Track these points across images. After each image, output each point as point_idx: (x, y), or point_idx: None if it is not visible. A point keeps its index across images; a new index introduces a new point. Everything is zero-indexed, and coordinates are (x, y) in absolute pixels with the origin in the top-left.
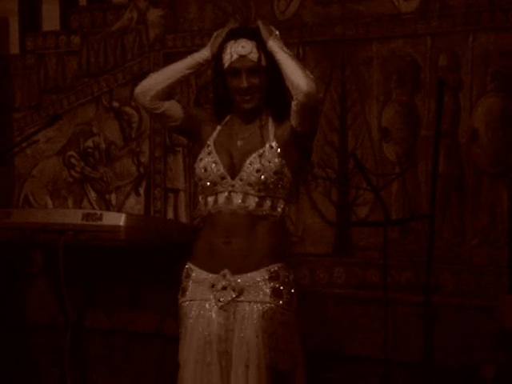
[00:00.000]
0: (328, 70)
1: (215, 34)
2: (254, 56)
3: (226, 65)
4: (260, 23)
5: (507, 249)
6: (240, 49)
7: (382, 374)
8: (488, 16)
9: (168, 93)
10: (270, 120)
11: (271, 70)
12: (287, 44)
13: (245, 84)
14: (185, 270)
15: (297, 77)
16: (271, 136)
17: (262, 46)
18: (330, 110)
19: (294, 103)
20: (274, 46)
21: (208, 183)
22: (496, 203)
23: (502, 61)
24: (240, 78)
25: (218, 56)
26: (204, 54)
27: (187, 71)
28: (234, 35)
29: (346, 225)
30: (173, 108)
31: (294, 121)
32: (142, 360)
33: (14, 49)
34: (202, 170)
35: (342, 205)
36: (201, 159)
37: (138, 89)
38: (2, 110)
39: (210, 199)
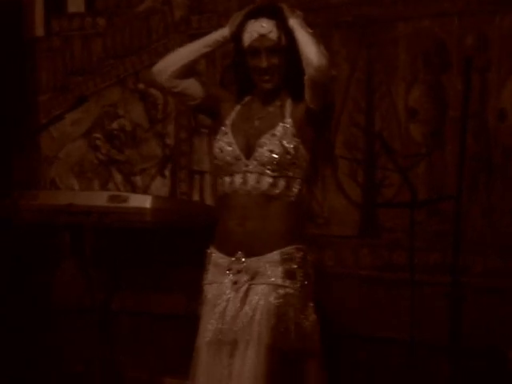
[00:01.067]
0: (354, 50)
1: (236, 13)
2: (274, 35)
3: (246, 44)
4: (283, 3)
5: None
6: (260, 28)
7: (407, 355)
8: None
9: (186, 71)
10: (289, 100)
11: (291, 50)
12: (313, 24)
13: (264, 64)
14: (207, 253)
15: (309, 51)
16: (287, 115)
17: (282, 25)
18: (356, 90)
19: (305, 78)
20: (295, 23)
21: (224, 164)
22: None
23: None
24: (259, 57)
25: (237, 35)
26: (223, 32)
27: (204, 49)
28: (254, 14)
29: (372, 206)
30: (191, 87)
31: (307, 97)
32: (168, 342)
33: (40, 31)
34: (218, 151)
35: (368, 186)
36: (217, 140)
37: (156, 68)
38: (28, 92)
39: (227, 180)
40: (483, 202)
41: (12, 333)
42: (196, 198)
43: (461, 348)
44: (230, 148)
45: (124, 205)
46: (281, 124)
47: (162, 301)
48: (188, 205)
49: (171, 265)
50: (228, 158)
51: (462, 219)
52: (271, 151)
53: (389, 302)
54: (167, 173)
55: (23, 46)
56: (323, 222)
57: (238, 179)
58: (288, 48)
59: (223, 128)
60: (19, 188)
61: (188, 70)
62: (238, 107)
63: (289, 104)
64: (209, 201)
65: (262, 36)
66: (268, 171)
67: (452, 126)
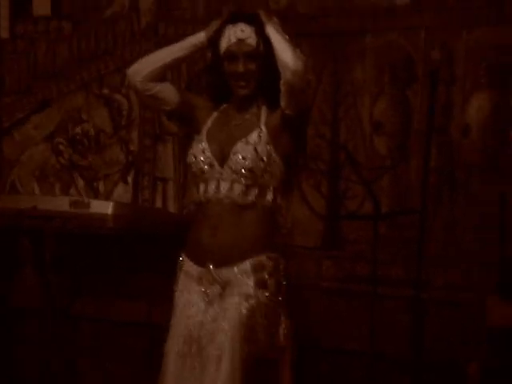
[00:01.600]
0: (321, 61)
1: (213, 20)
2: (253, 41)
3: (224, 48)
4: (261, 10)
5: (497, 247)
6: (239, 32)
7: (368, 367)
8: (483, 11)
9: (160, 74)
10: (264, 108)
11: (268, 56)
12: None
13: (241, 69)
14: (179, 260)
15: (286, 56)
16: (262, 123)
17: (260, 31)
18: (322, 101)
19: (282, 82)
20: (271, 29)
21: (198, 171)
22: (487, 200)
23: (496, 55)
24: (237, 62)
25: (214, 41)
26: (200, 36)
27: (181, 53)
28: (232, 19)
29: (335, 218)
30: (166, 90)
31: (282, 102)
32: (129, 349)
33: (4, 33)
34: (192, 158)
35: (332, 197)
36: (192, 147)
37: (131, 69)
38: None
39: (201, 187)
40: (446, 216)
41: None
42: (159, 205)
43: (422, 362)
44: (204, 155)
45: (86, 211)
46: (255, 131)
47: (122, 307)
48: (150, 211)
49: (132, 271)
50: (202, 165)
51: (425, 232)
52: (244, 158)
53: (351, 314)
54: (130, 179)
55: None
56: (286, 233)
57: (211, 187)
58: (265, 55)
59: (198, 135)
60: None
61: (162, 74)
62: (215, 114)
63: (264, 111)
64: (172, 208)
65: (241, 41)
66: (241, 178)
67: (417, 139)
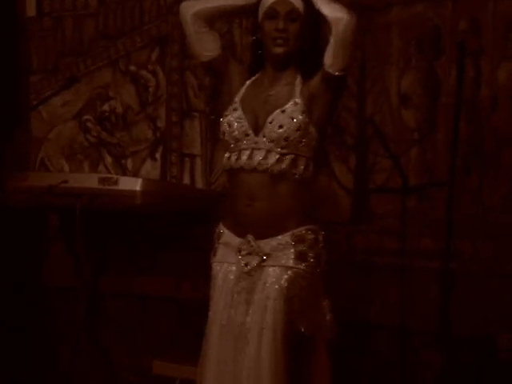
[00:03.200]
0: None
1: None
2: (296, 1)
3: (266, 7)
4: None
5: None
6: None
7: (397, 341)
8: None
9: (211, 15)
10: (299, 77)
11: (309, 21)
12: None
13: (281, 25)
14: (216, 231)
15: (337, 11)
16: (297, 92)
17: None
18: (348, 75)
19: (333, 36)
20: None
21: (231, 139)
22: None
23: None
24: (277, 20)
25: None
26: None
27: (233, 2)
28: None
29: (363, 192)
30: (211, 37)
31: (329, 60)
32: (157, 323)
33: (31, 11)
34: (227, 126)
35: (360, 171)
36: (226, 115)
37: (184, 3)
38: (19, 72)
39: (234, 156)
40: (475, 189)
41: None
42: (186, 181)
43: (451, 334)
44: (238, 123)
45: (114, 187)
46: (291, 101)
47: (151, 283)
48: (178, 188)
49: (161, 247)
50: (236, 133)
51: (454, 206)
52: (281, 127)
53: (381, 288)
54: (158, 156)
55: (15, 27)
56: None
57: (244, 156)
58: (307, 19)
59: (233, 104)
60: (8, 169)
61: (213, 15)
62: (248, 83)
63: (299, 82)
64: (199, 184)
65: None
66: (276, 148)
67: (444, 111)
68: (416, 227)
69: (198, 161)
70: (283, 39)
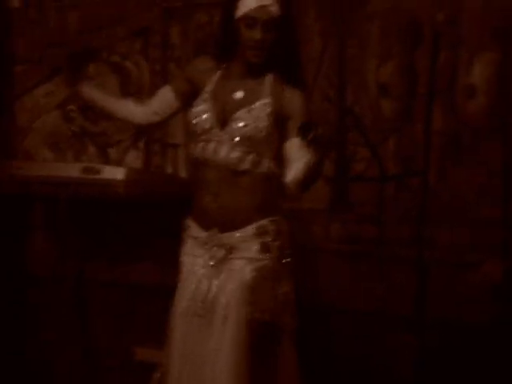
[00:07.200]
0: (328, 24)
1: None
2: (275, 9)
3: (243, 12)
4: None
5: (501, 206)
6: None
7: (372, 326)
8: None
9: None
10: (271, 77)
11: (286, 26)
12: None
13: (258, 36)
14: (184, 224)
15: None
16: (267, 92)
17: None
18: (328, 65)
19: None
20: None
21: (199, 129)
22: (492, 160)
23: (502, 17)
24: (255, 29)
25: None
26: None
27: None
28: None
29: (343, 180)
30: (163, 107)
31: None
32: (144, 311)
33: (16, 2)
34: (194, 116)
35: (340, 160)
36: (194, 106)
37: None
38: (4, 63)
39: (199, 147)
40: (451, 178)
41: None
42: (170, 170)
43: (426, 319)
44: (206, 115)
45: (97, 176)
46: (260, 100)
47: (136, 271)
48: (161, 177)
49: (144, 236)
50: (203, 124)
51: (430, 195)
52: (245, 126)
53: (358, 276)
54: (141, 145)
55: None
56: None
57: (209, 148)
58: (282, 25)
59: (203, 94)
60: None
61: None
62: (218, 73)
63: (270, 81)
64: (182, 173)
65: (263, 7)
66: (240, 146)
67: (422, 102)
68: (395, 216)
69: (181, 150)
70: (260, 49)
